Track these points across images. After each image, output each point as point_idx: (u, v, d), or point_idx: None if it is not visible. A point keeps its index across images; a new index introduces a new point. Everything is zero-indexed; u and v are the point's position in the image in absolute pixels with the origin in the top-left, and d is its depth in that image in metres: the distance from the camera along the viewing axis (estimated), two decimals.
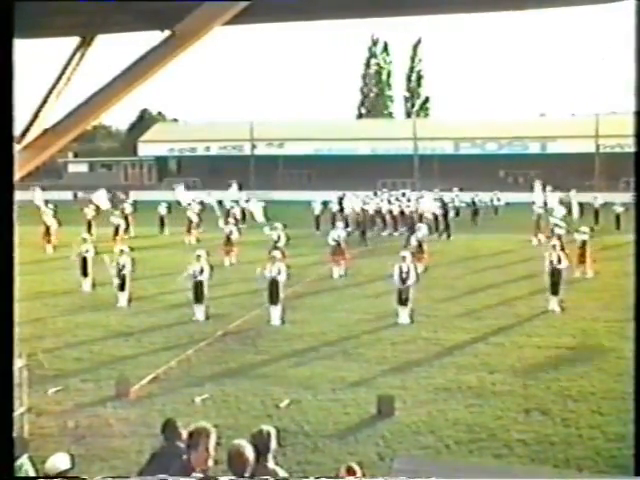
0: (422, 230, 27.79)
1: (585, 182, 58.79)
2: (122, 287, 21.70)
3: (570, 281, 21.64)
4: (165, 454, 6.73)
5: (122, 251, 22.43)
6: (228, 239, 29.15)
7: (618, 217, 38.02)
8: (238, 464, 5.57)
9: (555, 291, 20.76)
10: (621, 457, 11.03)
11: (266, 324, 19.26)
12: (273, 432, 6.42)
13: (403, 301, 19.54)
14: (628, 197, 43.08)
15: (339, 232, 27.64)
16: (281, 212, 38.54)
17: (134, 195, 63.70)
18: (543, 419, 12.77)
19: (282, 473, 6.24)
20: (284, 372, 15.53)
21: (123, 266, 21.75)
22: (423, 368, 15.72)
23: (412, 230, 32.99)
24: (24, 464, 7.72)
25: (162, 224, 39.67)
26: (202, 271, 20.10)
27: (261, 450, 6.21)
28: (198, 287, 20.08)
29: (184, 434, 6.18)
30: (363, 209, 38.15)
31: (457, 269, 27.51)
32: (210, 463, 5.78)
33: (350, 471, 6.95)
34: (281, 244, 27.47)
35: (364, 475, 7.25)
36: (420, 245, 26.24)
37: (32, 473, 7.73)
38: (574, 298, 21.54)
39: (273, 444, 6.34)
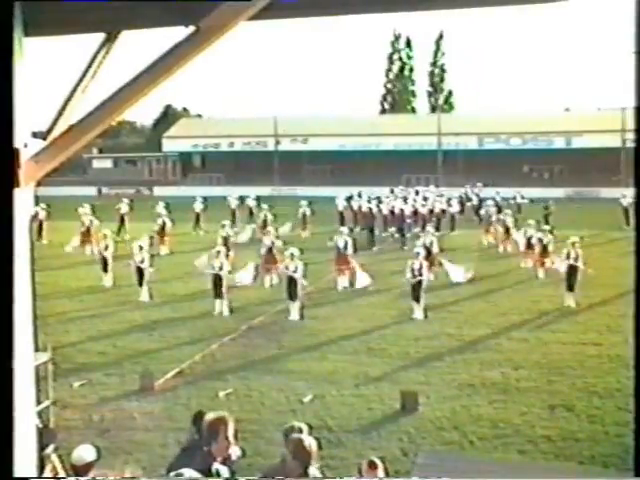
0: (428, 236, 25.13)
1: (611, 177, 58.35)
2: (140, 282, 22.04)
3: (594, 277, 21.44)
4: (195, 447, 6.74)
5: (141, 247, 22.49)
6: (270, 251, 24.26)
7: None
8: (303, 456, 5.71)
9: (571, 287, 20.74)
10: None
11: (289, 319, 19.32)
12: (305, 428, 6.41)
13: (416, 297, 19.60)
14: None
15: (345, 238, 24.51)
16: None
17: (158, 191, 64.17)
18: (568, 415, 12.69)
19: (314, 472, 6.21)
20: (307, 367, 15.56)
21: (142, 261, 22.09)
22: (446, 364, 15.68)
23: (402, 231, 32.69)
24: (50, 455, 7.81)
25: (197, 221, 38.43)
26: (222, 267, 20.23)
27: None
28: (217, 282, 20.18)
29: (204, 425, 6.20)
30: (370, 209, 35.64)
31: (480, 266, 27.40)
32: (231, 451, 5.86)
33: (372, 466, 6.94)
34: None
35: (387, 470, 7.24)
36: (429, 252, 23.34)
37: (58, 464, 7.82)
38: (599, 294, 21.40)
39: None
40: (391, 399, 13.32)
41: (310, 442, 5.87)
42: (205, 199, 40.18)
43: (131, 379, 14.62)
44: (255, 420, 12.29)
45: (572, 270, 20.78)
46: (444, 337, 17.76)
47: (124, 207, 37.06)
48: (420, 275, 19.59)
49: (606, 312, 19.95)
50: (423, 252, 20.88)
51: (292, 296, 19.63)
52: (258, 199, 42.10)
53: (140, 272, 22.05)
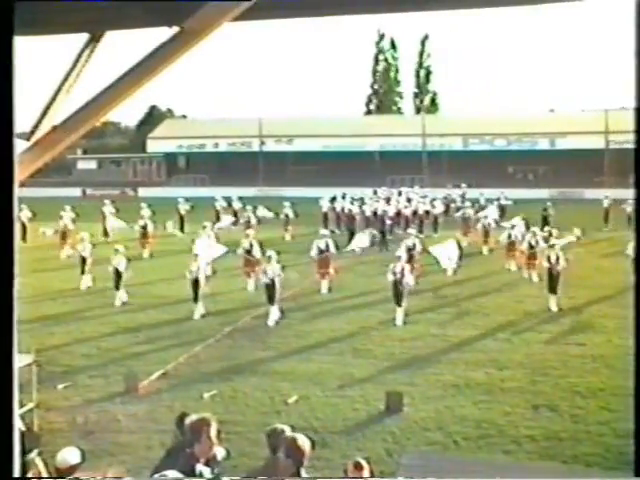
0: (411, 238, 24.75)
1: (594, 178, 58.70)
2: (117, 286, 21.61)
3: (578, 277, 21.56)
4: (179, 449, 6.73)
5: (117, 251, 22.04)
6: (248, 254, 23.71)
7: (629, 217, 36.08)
8: (297, 455, 5.72)
9: (553, 290, 20.53)
10: (630, 454, 10.98)
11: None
12: (288, 430, 6.42)
13: (398, 301, 19.26)
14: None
15: (326, 240, 23.78)
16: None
17: (143, 192, 63.93)
18: (552, 415, 12.76)
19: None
20: (292, 368, 15.56)
21: (118, 265, 21.65)
22: (431, 364, 15.74)
23: (383, 233, 31.94)
24: (34, 459, 7.77)
25: (182, 223, 37.41)
26: (199, 269, 20.11)
27: (276, 448, 6.24)
28: (196, 285, 20.05)
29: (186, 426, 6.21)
30: (351, 210, 35.55)
31: (466, 266, 27.46)
32: (215, 451, 5.86)
33: (357, 467, 6.96)
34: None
35: (372, 471, 7.25)
36: (411, 255, 23.17)
37: (42, 468, 7.78)
38: (583, 295, 21.52)
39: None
40: (376, 400, 13.35)
41: (304, 441, 5.90)
42: (187, 200, 39.23)
43: (115, 381, 14.57)
44: (240, 421, 12.30)
45: (553, 272, 20.59)
46: (429, 338, 17.80)
47: (108, 208, 36.80)
48: (402, 278, 19.23)
49: (589, 312, 20.08)
50: (405, 255, 20.71)
51: (270, 300, 19.40)
52: (242, 200, 41.32)
53: (117, 275, 21.66)
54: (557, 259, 20.58)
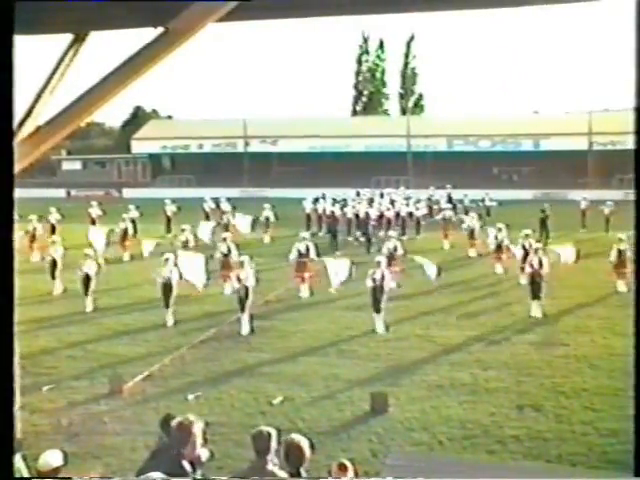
0: (392, 241, 24.52)
1: (578, 179, 59.04)
2: (86, 292, 20.97)
3: (560, 278, 21.62)
4: (164, 450, 6.71)
5: (87, 255, 21.53)
6: (225, 257, 23.09)
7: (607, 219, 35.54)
8: (296, 457, 5.87)
9: (536, 296, 19.79)
10: (613, 453, 11.09)
11: (261, 320, 19.28)
12: (274, 433, 6.40)
13: (377, 309, 18.50)
14: (621, 194, 43.08)
15: (306, 242, 23.42)
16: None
17: (128, 192, 63.70)
18: (536, 415, 12.81)
19: (281, 474, 6.23)
20: (277, 369, 15.55)
21: (88, 270, 20.99)
22: (416, 365, 15.76)
23: (366, 235, 31.68)
24: (17, 463, 7.71)
25: (169, 224, 36.99)
26: (172, 273, 19.42)
27: (261, 451, 6.23)
28: (167, 290, 19.39)
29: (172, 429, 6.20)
30: (334, 212, 35.02)
31: (451, 267, 27.52)
32: (200, 452, 5.88)
33: (342, 468, 6.96)
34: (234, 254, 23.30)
35: (356, 472, 7.26)
36: (392, 256, 23.12)
37: (25, 472, 7.72)
38: (567, 295, 21.61)
39: (274, 445, 6.33)
40: (361, 400, 13.36)
41: (304, 444, 5.95)
42: (174, 201, 38.87)
43: (100, 383, 14.51)
44: (225, 423, 12.27)
45: (535, 277, 19.87)
46: (414, 339, 17.83)
47: (95, 210, 36.51)
48: (382, 285, 18.48)
49: (573, 313, 20.17)
50: (384, 261, 19.61)
51: (242, 308, 18.51)
52: (217, 200, 40.49)
53: (87, 281, 20.97)
54: (540, 263, 19.83)
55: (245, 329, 18.35)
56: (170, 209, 37.92)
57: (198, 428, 5.79)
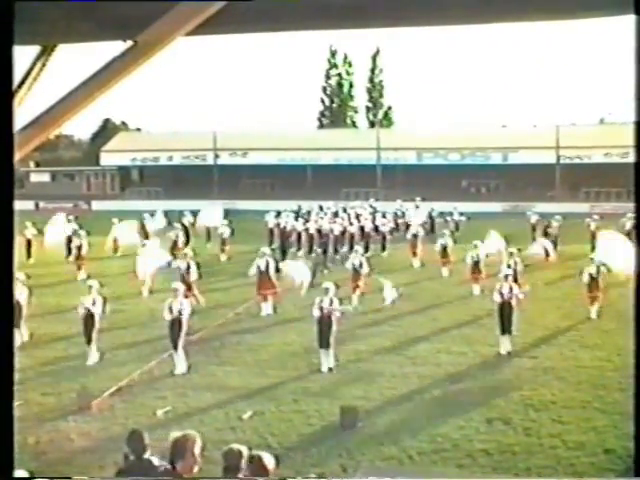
0: (357, 257, 23.74)
1: (546, 192, 59.66)
2: (17, 323, 17.02)
3: (530, 291, 21.72)
4: (133, 468, 6.62)
5: (16, 279, 17.36)
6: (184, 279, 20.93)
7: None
8: (261, 473, 5.85)
9: (506, 329, 17.42)
10: (580, 465, 11.17)
11: (230, 334, 19.20)
12: (245, 451, 6.35)
13: (326, 343, 16.16)
14: (586, 207, 43.48)
15: (266, 258, 22.17)
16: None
17: (97, 205, 63.25)
18: (505, 428, 12.86)
19: None
20: (247, 383, 15.46)
21: (19, 297, 17.37)
22: (386, 379, 15.76)
23: (325, 252, 30.78)
24: None
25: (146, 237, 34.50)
26: (95, 303, 17.01)
27: (231, 469, 6.19)
28: (88, 322, 17.00)
29: (169, 443, 6.13)
30: (295, 228, 33.91)
31: (422, 280, 27.62)
32: (196, 469, 5.86)
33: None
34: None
35: None
36: (357, 273, 22.76)
37: None
38: (535, 308, 21.73)
39: (244, 464, 6.27)
40: (330, 414, 13.32)
41: (270, 460, 5.95)
42: (153, 214, 38.11)
43: (68, 398, 14.33)
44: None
45: (506, 307, 17.56)
46: (383, 352, 17.84)
47: (30, 231, 32.40)
48: (329, 314, 16.09)
49: (542, 325, 20.28)
50: (333, 288, 16.50)
51: (174, 343, 16.14)
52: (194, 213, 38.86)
53: (18, 309, 17.22)
54: (511, 290, 17.74)
55: (180, 370, 16.17)
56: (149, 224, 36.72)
57: (198, 444, 5.81)
